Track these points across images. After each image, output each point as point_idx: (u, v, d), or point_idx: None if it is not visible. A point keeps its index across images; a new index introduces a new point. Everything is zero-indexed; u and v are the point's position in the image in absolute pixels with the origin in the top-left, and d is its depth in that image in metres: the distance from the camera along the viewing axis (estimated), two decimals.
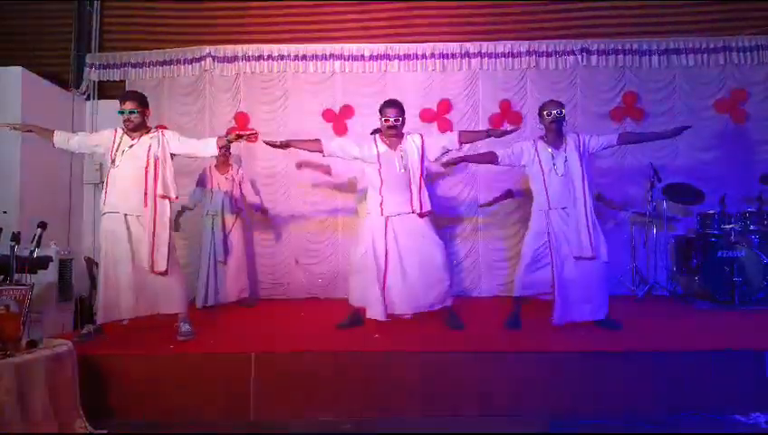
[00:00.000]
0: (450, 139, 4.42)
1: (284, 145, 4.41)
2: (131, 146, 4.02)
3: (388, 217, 4.32)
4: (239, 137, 4.28)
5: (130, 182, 3.99)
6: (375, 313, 4.26)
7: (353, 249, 4.53)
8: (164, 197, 4.05)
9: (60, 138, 4.14)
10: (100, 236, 4.11)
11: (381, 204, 4.33)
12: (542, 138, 4.43)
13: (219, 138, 4.15)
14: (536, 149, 4.37)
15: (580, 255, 4.20)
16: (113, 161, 4.00)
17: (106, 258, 3.97)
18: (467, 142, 4.41)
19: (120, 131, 4.09)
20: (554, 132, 4.34)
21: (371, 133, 4.74)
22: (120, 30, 7.13)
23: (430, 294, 4.32)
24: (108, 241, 3.98)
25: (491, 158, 4.43)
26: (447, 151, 4.48)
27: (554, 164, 4.30)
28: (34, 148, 5.51)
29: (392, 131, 4.33)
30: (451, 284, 4.44)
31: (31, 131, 4.29)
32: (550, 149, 4.34)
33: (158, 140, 4.08)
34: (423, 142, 4.37)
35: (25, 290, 3.15)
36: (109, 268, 3.96)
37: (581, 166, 4.28)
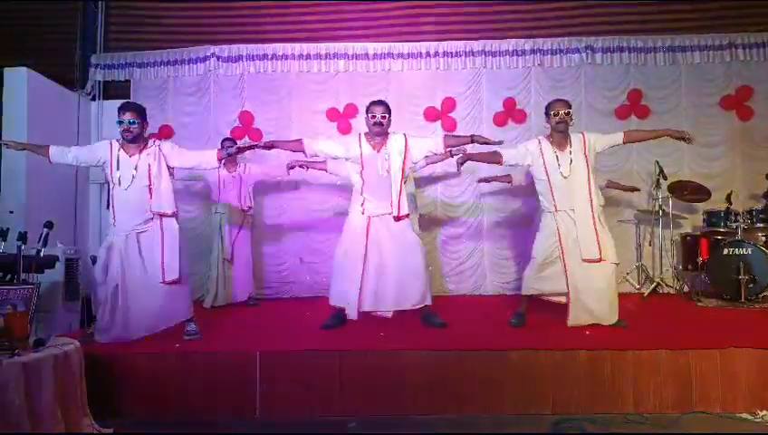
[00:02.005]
0: (435, 142, 4.43)
1: (268, 146, 4.43)
2: (136, 167, 4.01)
3: (369, 216, 4.35)
4: (240, 150, 4.34)
5: (136, 202, 4.02)
6: (350, 311, 4.31)
7: (336, 248, 4.55)
8: (163, 214, 4.06)
9: (55, 152, 4.10)
10: (109, 251, 4.01)
11: (363, 204, 4.36)
12: (547, 137, 4.40)
13: (219, 151, 4.24)
14: (541, 150, 4.33)
15: (588, 257, 4.18)
16: (119, 183, 4.00)
17: (122, 278, 3.96)
18: (453, 146, 4.42)
19: (116, 145, 4.07)
20: (560, 133, 4.31)
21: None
22: (124, 30, 7.15)
23: (409, 292, 4.34)
24: (122, 258, 3.97)
25: (496, 158, 4.39)
26: (433, 154, 4.53)
27: (559, 165, 4.26)
28: None
29: (378, 129, 4.32)
30: (429, 283, 4.44)
31: (25, 149, 4.25)
32: (555, 150, 4.31)
33: (155, 156, 4.07)
34: (406, 144, 4.36)
35: (32, 289, 3.16)
36: (122, 290, 3.95)
37: (587, 167, 4.25)
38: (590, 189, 4.23)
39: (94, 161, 4.15)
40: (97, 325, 3.98)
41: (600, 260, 4.17)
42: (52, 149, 4.11)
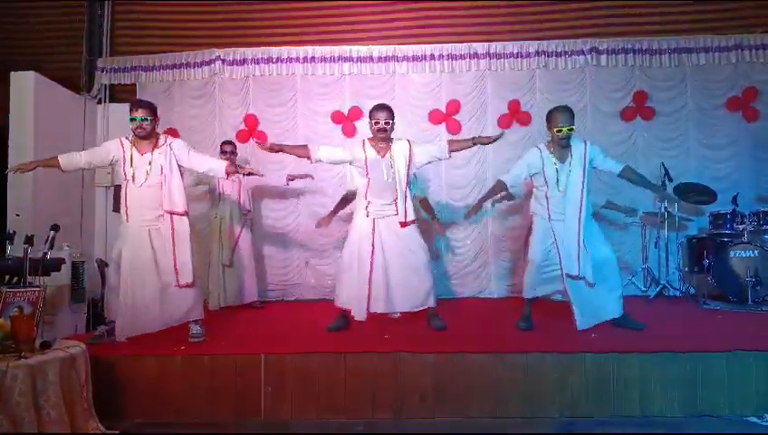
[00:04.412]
0: (440, 148, 4.43)
1: (275, 150, 4.42)
2: (149, 163, 4.03)
3: (374, 218, 4.37)
4: (250, 174, 4.39)
5: (150, 199, 4.04)
6: (357, 312, 4.32)
7: (343, 250, 4.56)
8: (173, 212, 4.07)
9: (66, 161, 4.09)
10: (122, 245, 4.03)
11: (367, 208, 4.38)
12: (548, 146, 4.33)
13: (228, 165, 4.22)
14: (543, 161, 4.28)
15: (568, 272, 4.17)
16: (133, 179, 4.01)
17: (132, 271, 3.97)
18: (456, 151, 4.43)
19: (126, 142, 4.09)
20: (562, 147, 4.27)
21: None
22: (130, 34, 7.20)
23: (414, 294, 4.36)
24: (133, 251, 3.99)
25: (502, 187, 4.44)
26: (438, 160, 4.52)
27: (558, 180, 4.25)
28: (47, 152, 5.55)
29: (381, 134, 4.32)
30: (433, 285, 4.45)
31: (37, 167, 4.15)
32: (555, 162, 4.26)
33: (167, 155, 4.08)
34: (410, 150, 4.36)
35: (38, 292, 3.18)
36: (131, 282, 3.97)
37: (583, 180, 4.22)
38: (581, 202, 4.19)
39: (107, 161, 4.15)
40: (117, 324, 3.99)
41: (578, 277, 4.15)
42: (63, 159, 4.08)
